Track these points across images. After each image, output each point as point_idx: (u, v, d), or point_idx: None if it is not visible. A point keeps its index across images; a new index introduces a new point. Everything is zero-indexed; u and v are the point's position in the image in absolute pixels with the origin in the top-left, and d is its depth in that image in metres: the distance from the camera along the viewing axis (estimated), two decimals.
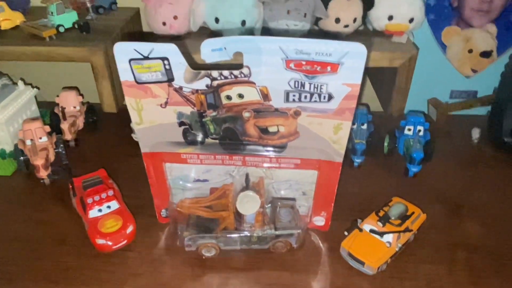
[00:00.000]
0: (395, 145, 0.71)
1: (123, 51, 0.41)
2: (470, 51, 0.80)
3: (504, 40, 0.79)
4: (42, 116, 0.75)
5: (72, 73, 0.87)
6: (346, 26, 0.67)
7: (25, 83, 0.75)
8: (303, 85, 0.42)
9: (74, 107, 0.75)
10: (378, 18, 0.68)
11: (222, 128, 0.47)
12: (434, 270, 0.52)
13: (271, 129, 0.47)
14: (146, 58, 0.41)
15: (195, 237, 0.50)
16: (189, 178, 0.53)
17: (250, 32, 0.67)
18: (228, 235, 0.50)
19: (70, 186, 0.59)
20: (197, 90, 0.44)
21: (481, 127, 0.78)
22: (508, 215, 0.61)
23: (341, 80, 0.41)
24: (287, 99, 0.44)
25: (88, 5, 0.74)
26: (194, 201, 0.52)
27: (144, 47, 0.40)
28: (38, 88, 0.77)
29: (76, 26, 0.71)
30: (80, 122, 0.76)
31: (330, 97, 0.43)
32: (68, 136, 0.72)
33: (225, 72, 0.42)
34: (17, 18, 0.72)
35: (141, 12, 0.82)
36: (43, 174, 0.63)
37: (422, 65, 0.75)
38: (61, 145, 0.67)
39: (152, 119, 0.47)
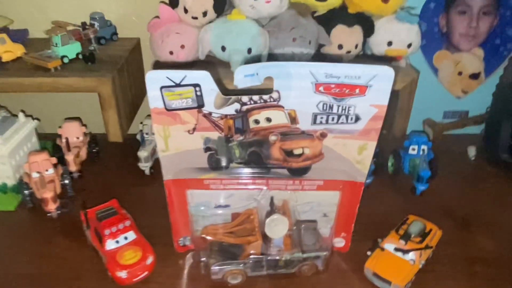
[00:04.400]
0: (399, 165, 0.73)
1: (155, 79, 0.41)
2: (460, 73, 0.84)
3: (491, 63, 0.84)
4: (43, 148, 0.73)
5: (70, 104, 0.86)
6: (348, 52, 0.70)
7: (25, 115, 0.73)
8: (331, 107, 0.43)
9: (78, 138, 0.74)
10: (378, 44, 0.71)
11: (247, 153, 0.48)
12: (455, 285, 0.53)
13: (296, 152, 0.48)
14: (178, 85, 0.41)
15: (222, 264, 0.49)
16: (211, 204, 0.53)
17: (257, 59, 0.68)
18: (256, 261, 0.49)
19: (83, 218, 0.57)
20: (226, 116, 0.44)
21: (475, 145, 0.81)
22: None
23: (368, 101, 0.43)
24: (314, 122, 0.45)
25: (91, 36, 0.74)
26: (217, 227, 0.52)
27: (177, 75, 0.41)
28: (38, 120, 0.75)
29: (80, 56, 0.71)
30: (84, 153, 0.74)
31: (357, 118, 0.44)
32: (73, 167, 0.70)
33: (255, 97, 0.43)
34: (18, 50, 0.71)
35: (141, 41, 0.83)
36: (51, 207, 0.61)
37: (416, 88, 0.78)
38: (67, 177, 0.66)
39: (179, 146, 0.47)
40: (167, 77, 0.41)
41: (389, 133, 0.75)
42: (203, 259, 0.51)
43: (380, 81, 0.41)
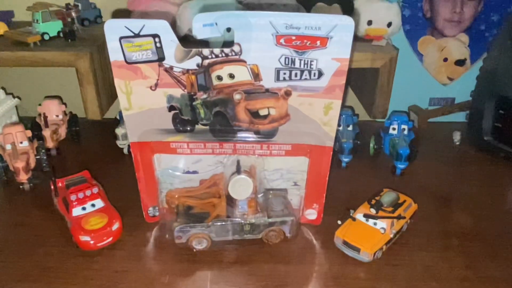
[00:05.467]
0: (380, 146, 0.71)
1: (114, 28, 0.41)
2: (445, 59, 0.84)
3: (476, 49, 0.83)
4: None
5: (54, 86, 0.86)
6: None
7: (6, 93, 0.74)
8: (293, 62, 0.43)
9: (57, 116, 0.74)
10: (358, 23, 0.71)
11: (212, 113, 0.47)
12: (429, 256, 0.52)
13: (262, 112, 0.47)
14: (137, 35, 0.41)
15: (185, 227, 0.48)
16: (178, 170, 0.52)
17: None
18: (220, 223, 0.48)
19: (52, 187, 0.57)
20: (187, 70, 0.44)
21: (461, 132, 0.80)
22: (495, 205, 0.61)
23: (330, 54, 0.42)
24: (277, 78, 0.44)
25: (74, 15, 0.74)
26: (183, 191, 0.51)
27: (135, 24, 0.41)
28: (19, 98, 0.75)
29: (61, 35, 0.71)
30: (63, 132, 0.74)
31: (320, 74, 0.43)
32: (50, 143, 0.70)
33: (216, 50, 0.43)
34: (0, 28, 0.72)
35: None
36: (23, 177, 0.61)
37: (401, 74, 0.77)
38: (43, 151, 0.65)
39: (142, 104, 0.46)
40: (126, 27, 0.41)
41: (370, 115, 0.75)
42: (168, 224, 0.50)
43: (340, 31, 0.40)
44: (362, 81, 0.78)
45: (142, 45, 0.42)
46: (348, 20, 0.40)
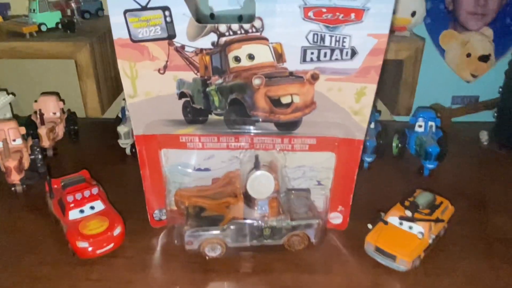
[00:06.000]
0: (405, 145, 0.66)
1: (117, 0, 0.36)
2: (469, 55, 0.78)
3: (501, 44, 0.78)
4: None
5: (52, 81, 0.81)
6: None
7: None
8: (323, 39, 0.37)
9: (54, 113, 0.68)
10: None
11: (228, 101, 0.42)
12: (472, 265, 0.46)
13: (284, 100, 0.41)
14: (144, 8, 0.36)
15: (197, 231, 0.42)
16: (188, 166, 0.46)
17: None
18: (236, 227, 0.42)
19: (47, 187, 0.51)
20: (201, 50, 0.39)
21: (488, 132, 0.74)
22: None
23: (366, 29, 0.37)
24: (304, 59, 0.39)
25: (74, 6, 0.69)
26: (194, 190, 0.45)
27: None
28: (14, 94, 0.70)
29: (60, 26, 0.66)
30: (60, 131, 0.68)
31: (354, 53, 0.38)
32: (46, 142, 0.64)
33: (235, 26, 0.38)
34: None
35: None
36: (15, 178, 0.55)
37: (422, 70, 0.72)
38: (37, 150, 0.59)
39: (148, 90, 0.41)
40: None
41: (392, 112, 0.69)
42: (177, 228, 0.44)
43: (379, 2, 0.35)
44: (383, 75, 0.73)
45: (150, 20, 0.36)
46: None
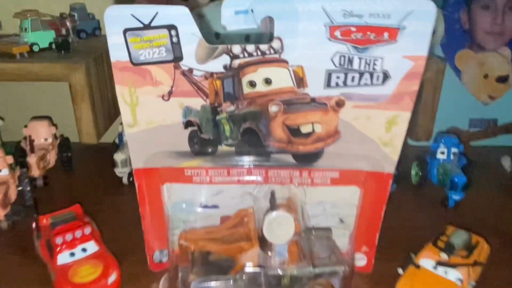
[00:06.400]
0: (426, 173, 0.61)
1: (117, 17, 0.31)
2: (486, 76, 0.74)
3: None
4: (5, 151, 0.62)
5: (44, 105, 0.76)
6: None
7: None
8: (351, 62, 0.33)
9: (46, 139, 0.63)
10: None
11: (241, 130, 0.37)
12: None
13: (304, 129, 0.37)
14: (147, 27, 0.31)
15: (204, 280, 0.36)
16: (194, 204, 0.41)
17: None
18: (251, 276, 0.36)
19: (34, 226, 0.45)
20: (211, 74, 0.34)
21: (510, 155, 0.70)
22: None
23: (401, 51, 0.32)
24: (328, 83, 0.34)
25: (69, 25, 0.65)
26: (202, 232, 0.40)
27: (146, 11, 0.31)
28: (2, 119, 0.65)
29: (53, 46, 0.62)
30: (52, 158, 0.63)
31: (386, 77, 0.33)
32: (36, 172, 0.59)
33: (250, 47, 0.33)
34: None
35: None
36: None
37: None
38: (26, 180, 0.54)
39: (150, 119, 0.36)
40: (133, 15, 0.31)
41: (411, 137, 0.65)
42: (181, 275, 0.38)
43: (417, 19, 0.31)
44: None
45: (154, 40, 0.32)
46: (428, 5, 0.30)
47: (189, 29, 0.31)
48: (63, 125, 0.68)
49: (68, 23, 0.65)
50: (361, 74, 0.33)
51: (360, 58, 0.33)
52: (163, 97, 0.35)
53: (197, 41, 0.32)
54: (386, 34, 0.31)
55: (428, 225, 0.54)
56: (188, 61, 0.33)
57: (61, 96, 0.68)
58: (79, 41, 0.66)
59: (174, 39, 0.32)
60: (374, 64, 0.33)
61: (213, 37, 0.58)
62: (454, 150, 0.59)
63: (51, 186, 0.62)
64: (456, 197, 0.56)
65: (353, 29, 0.31)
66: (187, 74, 0.34)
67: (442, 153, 0.60)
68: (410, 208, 0.58)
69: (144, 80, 0.34)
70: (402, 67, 0.33)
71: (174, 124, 0.36)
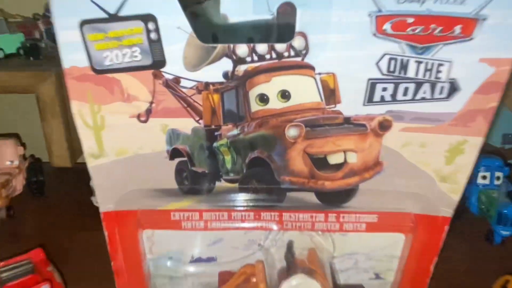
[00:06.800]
0: (464, 202, 0.51)
1: (69, 4, 0.21)
2: None
3: None
4: None
5: (10, 121, 0.66)
6: None
7: None
8: (404, 67, 0.23)
9: (11, 162, 0.53)
10: None
11: (246, 161, 0.27)
12: None
13: (333, 159, 0.27)
14: (115, 18, 0.22)
15: None
16: (183, 257, 0.31)
17: None
18: None
19: None
20: (206, 85, 0.24)
21: None
22: None
23: (478, 52, 0.22)
24: (370, 98, 0.24)
25: (42, 28, 0.56)
26: None
27: None
28: None
29: (21, 51, 0.52)
30: (19, 184, 0.54)
31: (454, 89, 0.24)
32: None
33: (261, 48, 0.23)
34: None
35: None
36: None
37: None
38: None
39: (122, 146, 0.26)
40: (93, 1, 0.21)
41: None
42: None
43: (503, 7, 0.21)
44: None
45: (124, 37, 0.22)
46: None
47: (172, 20, 0.22)
48: (34, 144, 0.58)
49: (41, 25, 0.56)
50: (419, 85, 0.24)
51: (418, 62, 0.23)
52: (139, 117, 0.25)
53: (186, 39, 0.22)
54: (458, 28, 0.22)
55: (474, 269, 0.44)
56: (173, 67, 0.23)
57: (32, 110, 0.58)
58: (54, 46, 0.57)
59: (153, 36, 0.22)
60: (438, 70, 0.23)
61: (209, 38, 0.49)
62: (498, 174, 0.50)
63: (17, 218, 0.52)
64: (505, 232, 0.46)
65: (410, 20, 0.22)
66: (172, 85, 0.24)
67: (484, 177, 0.50)
68: (449, 245, 0.48)
69: (111, 95, 0.24)
70: (478, 75, 0.23)
71: (155, 154, 0.26)
